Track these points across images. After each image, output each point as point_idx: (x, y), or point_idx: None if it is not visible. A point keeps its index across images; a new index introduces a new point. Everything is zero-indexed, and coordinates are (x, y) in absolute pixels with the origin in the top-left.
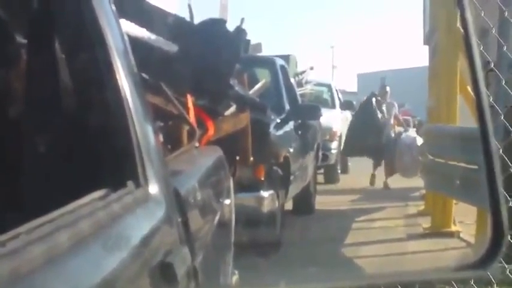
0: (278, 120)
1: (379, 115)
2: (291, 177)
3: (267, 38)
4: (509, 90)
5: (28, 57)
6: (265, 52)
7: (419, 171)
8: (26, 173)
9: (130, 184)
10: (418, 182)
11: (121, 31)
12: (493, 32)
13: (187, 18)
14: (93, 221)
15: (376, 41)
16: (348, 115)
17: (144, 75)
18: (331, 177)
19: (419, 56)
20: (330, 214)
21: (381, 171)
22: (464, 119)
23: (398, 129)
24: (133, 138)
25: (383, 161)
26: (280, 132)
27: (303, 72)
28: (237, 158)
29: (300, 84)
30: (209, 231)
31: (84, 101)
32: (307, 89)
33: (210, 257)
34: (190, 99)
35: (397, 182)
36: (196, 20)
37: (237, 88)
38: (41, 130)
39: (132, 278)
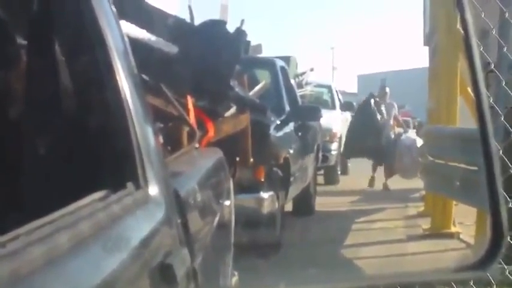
0: (278, 122)
1: (378, 116)
2: (291, 179)
3: (267, 39)
4: (510, 91)
5: (28, 58)
6: (266, 53)
7: (419, 173)
8: (26, 174)
9: (130, 185)
10: (417, 183)
11: (121, 32)
12: (494, 33)
13: (188, 20)
14: (93, 222)
15: (376, 42)
16: (348, 116)
17: (144, 76)
18: (331, 178)
19: (419, 57)
20: (329, 215)
21: (380, 173)
22: (465, 120)
23: (398, 130)
24: (133, 139)
25: (383, 162)
26: (280, 133)
27: (303, 73)
28: (237, 159)
29: (300, 85)
30: (209, 233)
31: (84, 102)
32: (307, 90)
33: (209, 258)
34: (190, 101)
35: (396, 183)
36: (197, 21)
37: (237, 89)
38: (41, 131)
39: (132, 279)
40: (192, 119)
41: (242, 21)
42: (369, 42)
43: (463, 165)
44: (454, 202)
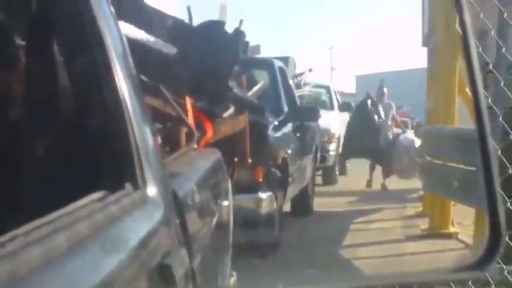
0: (276, 122)
1: (376, 117)
2: (289, 179)
3: (265, 39)
4: (508, 92)
5: (27, 59)
6: (264, 54)
7: (417, 173)
8: (25, 174)
9: (128, 186)
10: (416, 183)
11: (120, 33)
12: (492, 33)
13: (186, 20)
14: (91, 222)
15: (375, 43)
16: (346, 117)
17: (142, 77)
18: (329, 178)
19: (417, 58)
20: (328, 215)
21: (378, 173)
22: (463, 120)
23: (396, 130)
24: (132, 140)
25: (381, 162)
26: (279, 134)
27: (302, 73)
28: (236, 159)
29: (298, 85)
30: (207, 233)
31: (82, 103)
32: (306, 90)
33: (208, 259)
34: (188, 101)
35: (395, 183)
36: (195, 22)
37: (235, 90)
38: (40, 132)
39: (130, 279)
40: (190, 119)
41: (241, 22)
42: (367, 42)
43: (461, 166)
44: (452, 202)
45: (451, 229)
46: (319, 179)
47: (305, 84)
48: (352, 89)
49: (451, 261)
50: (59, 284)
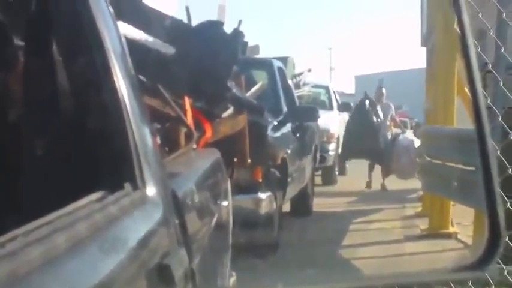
0: (275, 122)
1: (374, 117)
2: (289, 179)
3: (264, 39)
4: (507, 92)
5: (26, 59)
6: (263, 54)
7: (417, 173)
8: (24, 174)
9: (127, 186)
10: (415, 183)
11: (118, 33)
12: (491, 33)
13: (185, 20)
14: (91, 223)
15: (374, 43)
16: (345, 117)
17: (141, 77)
18: (328, 178)
19: (416, 58)
20: (327, 216)
21: (377, 174)
22: (462, 120)
23: (395, 130)
24: (131, 140)
25: (381, 162)
26: (278, 134)
27: (301, 74)
28: (235, 159)
29: (297, 86)
30: (207, 233)
31: (81, 103)
32: (305, 90)
33: (207, 259)
34: (187, 102)
35: (394, 183)
36: (194, 22)
37: (234, 90)
38: (39, 132)
39: (130, 280)
40: (189, 119)
41: (239, 22)
42: (366, 42)
43: (460, 166)
44: (452, 202)
45: (451, 229)
46: (318, 179)
47: (304, 84)
48: (351, 89)
49: (451, 261)
50: (58, 284)
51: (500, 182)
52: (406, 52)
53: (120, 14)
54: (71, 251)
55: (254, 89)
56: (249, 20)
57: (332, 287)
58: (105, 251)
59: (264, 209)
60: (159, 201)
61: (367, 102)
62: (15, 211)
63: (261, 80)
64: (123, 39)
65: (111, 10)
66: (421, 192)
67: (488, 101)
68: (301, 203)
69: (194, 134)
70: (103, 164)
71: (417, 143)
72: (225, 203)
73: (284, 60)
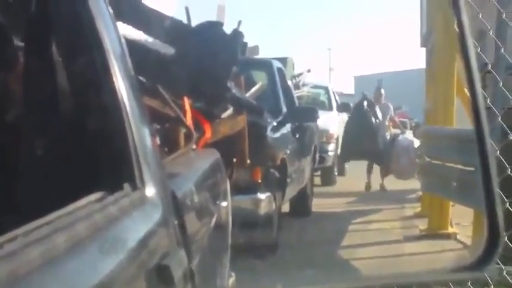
0: (275, 123)
1: (372, 117)
2: (288, 180)
3: (264, 40)
4: (507, 92)
5: (26, 59)
6: (262, 54)
7: (416, 173)
8: (24, 175)
9: (127, 186)
10: (414, 184)
11: (118, 34)
12: (491, 34)
13: (185, 21)
14: (90, 223)
15: (373, 43)
16: (344, 117)
17: (141, 78)
18: (328, 179)
19: (416, 58)
20: (326, 216)
21: (376, 175)
22: (461, 121)
23: (394, 131)
24: (130, 140)
25: (381, 163)
26: (277, 134)
27: (300, 74)
28: (234, 160)
29: (297, 86)
30: (206, 234)
31: (81, 103)
32: (304, 91)
33: (206, 259)
34: (187, 102)
35: (393, 184)
36: (194, 23)
37: (234, 91)
38: (39, 132)
39: (129, 280)
40: (189, 120)
41: (239, 23)
42: (365, 43)
43: (459, 166)
44: (451, 203)
45: (450, 229)
46: (317, 180)
47: (303, 84)
48: (350, 90)
49: (450, 261)
50: (58, 284)
51: (500, 182)
52: (405, 52)
53: (120, 14)
54: (71, 251)
55: (254, 89)
56: (248, 20)
57: (331, 287)
58: (105, 251)
59: (263, 209)
60: (159, 202)
61: (365, 103)
62: (15, 211)
63: (260, 80)
64: (123, 40)
65: (111, 11)
66: (420, 193)
67: (488, 101)
68: (301, 204)
69: (194, 134)
70: (102, 164)
71: (417, 143)
72: (224, 204)
73: (283, 60)
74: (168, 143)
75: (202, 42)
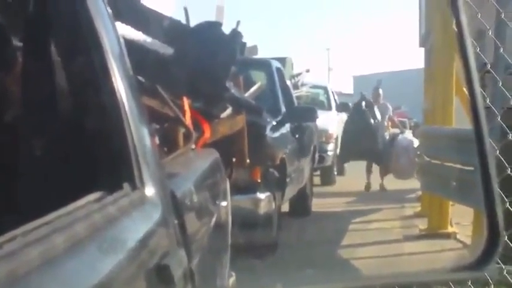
0: (274, 123)
1: (371, 117)
2: (287, 179)
3: (263, 40)
4: (506, 92)
5: (24, 60)
6: (261, 54)
7: (416, 173)
8: (23, 175)
9: (126, 186)
10: (414, 183)
11: (117, 34)
12: (490, 33)
13: (183, 21)
14: (89, 223)
15: (372, 43)
16: (344, 117)
17: (140, 78)
18: (327, 179)
19: (415, 58)
20: (326, 216)
21: (376, 175)
22: (460, 120)
23: (393, 130)
24: (130, 140)
25: (380, 163)
26: (277, 134)
27: (299, 74)
28: (234, 160)
29: (296, 86)
30: (206, 233)
31: (80, 103)
32: (303, 91)
33: (206, 259)
34: (186, 102)
35: (393, 183)
36: (192, 23)
37: (232, 90)
38: (37, 133)
39: (129, 280)
40: (188, 120)
41: (238, 23)
42: (364, 43)
43: (459, 166)
44: (451, 202)
45: (450, 229)
46: (317, 179)
47: (302, 84)
48: (349, 90)
49: (450, 261)
50: (57, 284)
51: (499, 181)
52: (404, 52)
53: (119, 14)
54: (70, 251)
55: (253, 89)
56: (247, 20)
57: (331, 287)
58: (104, 251)
59: (262, 209)
60: (158, 202)
61: (363, 103)
62: (14, 211)
63: (259, 80)
64: (122, 40)
65: (110, 11)
66: (420, 192)
67: (487, 101)
68: (300, 203)
69: (193, 134)
70: (102, 164)
71: (416, 143)
72: (224, 203)
73: (282, 60)
74: (167, 143)
75: (201, 42)
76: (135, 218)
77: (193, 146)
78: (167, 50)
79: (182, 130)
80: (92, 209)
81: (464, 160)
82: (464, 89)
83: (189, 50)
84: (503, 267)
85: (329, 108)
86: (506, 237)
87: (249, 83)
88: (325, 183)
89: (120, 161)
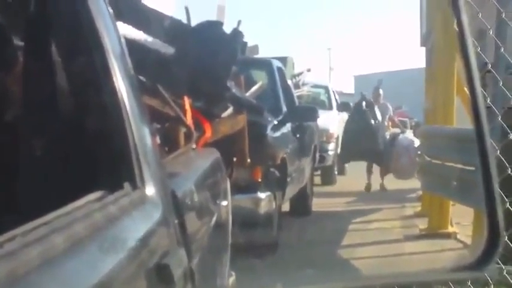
0: (275, 122)
1: (371, 118)
2: (288, 179)
3: (264, 39)
4: (507, 92)
5: (25, 59)
6: (262, 54)
7: (416, 173)
8: (23, 175)
9: (127, 186)
10: (414, 183)
11: (118, 34)
12: (491, 33)
13: (184, 21)
14: (90, 222)
15: (373, 43)
16: (344, 116)
17: (141, 77)
18: (328, 178)
19: (416, 58)
20: (326, 215)
21: (376, 175)
22: (461, 120)
23: (393, 130)
24: (130, 140)
25: (381, 163)
26: (277, 133)
27: (300, 74)
28: (234, 159)
29: (297, 86)
30: (206, 233)
31: (81, 103)
32: (304, 90)
33: (206, 259)
34: (187, 102)
35: (393, 183)
36: (193, 22)
37: (233, 90)
38: (38, 132)
39: (129, 279)
40: (189, 119)
41: (239, 22)
42: (365, 42)
43: (460, 166)
44: (451, 202)
45: (450, 229)
46: (318, 179)
47: (303, 84)
48: (350, 89)
49: (450, 261)
50: (57, 284)
51: (500, 181)
52: (405, 52)
53: (120, 14)
54: (70, 251)
55: (253, 88)
56: (248, 20)
57: (331, 286)
58: (105, 250)
59: (263, 208)
60: (159, 201)
61: (363, 103)
62: (14, 211)
63: (260, 80)
64: (123, 40)
65: (111, 10)
66: (420, 192)
67: (488, 100)
68: (301, 203)
69: (193, 133)
70: (102, 163)
71: (417, 142)
72: (224, 203)
73: (283, 60)
74: (168, 143)
75: (202, 41)
76: (135, 217)
77: (194, 146)
78: (168, 50)
79: (183, 129)
80: (92, 208)
81: (465, 160)
82: (465, 89)
83: (190, 49)
84: (503, 267)
85: (330, 107)
86: (506, 237)
87: (250, 83)
88: (325, 182)
89: (120, 160)
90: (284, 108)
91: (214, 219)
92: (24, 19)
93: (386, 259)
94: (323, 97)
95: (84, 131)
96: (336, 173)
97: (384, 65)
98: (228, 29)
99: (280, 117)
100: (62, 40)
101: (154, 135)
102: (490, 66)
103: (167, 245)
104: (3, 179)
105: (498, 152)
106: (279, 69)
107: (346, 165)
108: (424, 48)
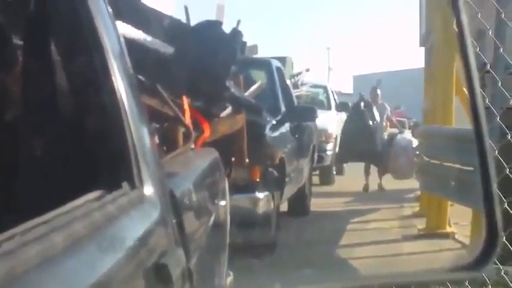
0: (274, 122)
1: (369, 118)
2: (287, 179)
3: (263, 39)
4: (506, 92)
5: (24, 59)
6: (261, 54)
7: (415, 173)
8: (22, 174)
9: (125, 185)
10: (412, 183)
11: (117, 33)
12: (490, 33)
13: (184, 20)
14: (88, 222)
15: (372, 43)
16: (343, 117)
17: (140, 77)
18: (326, 178)
19: (415, 58)
20: (325, 215)
21: (374, 175)
22: (460, 120)
23: (391, 130)
24: (129, 139)
25: (379, 164)
26: (276, 133)
27: (299, 73)
28: (233, 159)
29: (295, 85)
30: (204, 233)
31: (80, 102)
32: (303, 90)
33: (205, 259)
34: (186, 101)
35: (391, 183)
36: (193, 22)
37: (232, 90)
38: (37, 132)
39: (127, 279)
40: (187, 119)
41: (238, 22)
42: (364, 42)
43: (458, 166)
44: (449, 202)
45: (448, 229)
46: (316, 179)
47: (302, 84)
48: (349, 89)
49: (448, 261)
50: (56, 283)
51: (498, 182)
52: (404, 52)
53: (119, 13)
54: (69, 250)
55: (252, 88)
56: (247, 20)
57: (329, 286)
58: (103, 250)
59: (261, 208)
60: (157, 201)
61: (362, 104)
62: (13, 210)
63: (259, 79)
64: (122, 39)
65: (110, 10)
66: (418, 192)
67: (487, 101)
68: (299, 203)
69: (192, 133)
70: (101, 163)
71: (415, 143)
72: (222, 203)
73: (282, 60)
74: (167, 142)
75: (201, 41)
76: (133, 217)
77: (192, 145)
78: (167, 49)
79: (182, 129)
80: (90, 207)
81: (463, 160)
82: (465, 89)
83: (189, 49)
84: (501, 267)
85: (329, 107)
86: (504, 237)
87: (249, 82)
88: (324, 182)
89: (119, 160)
90: (283, 108)
91: (212, 218)
92: (24, 18)
93: (385, 259)
94: (322, 97)
95: (83, 130)
96: (335, 173)
97: (383, 65)
98: (227, 28)
99: (279, 117)
100: (62, 40)
101: (153, 134)
102: (489, 66)
103: (165, 244)
104: (3, 179)
105: (496, 152)
106: (278, 69)
107: (345, 165)
108: (423, 49)
